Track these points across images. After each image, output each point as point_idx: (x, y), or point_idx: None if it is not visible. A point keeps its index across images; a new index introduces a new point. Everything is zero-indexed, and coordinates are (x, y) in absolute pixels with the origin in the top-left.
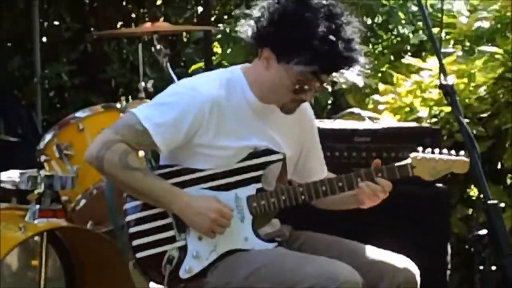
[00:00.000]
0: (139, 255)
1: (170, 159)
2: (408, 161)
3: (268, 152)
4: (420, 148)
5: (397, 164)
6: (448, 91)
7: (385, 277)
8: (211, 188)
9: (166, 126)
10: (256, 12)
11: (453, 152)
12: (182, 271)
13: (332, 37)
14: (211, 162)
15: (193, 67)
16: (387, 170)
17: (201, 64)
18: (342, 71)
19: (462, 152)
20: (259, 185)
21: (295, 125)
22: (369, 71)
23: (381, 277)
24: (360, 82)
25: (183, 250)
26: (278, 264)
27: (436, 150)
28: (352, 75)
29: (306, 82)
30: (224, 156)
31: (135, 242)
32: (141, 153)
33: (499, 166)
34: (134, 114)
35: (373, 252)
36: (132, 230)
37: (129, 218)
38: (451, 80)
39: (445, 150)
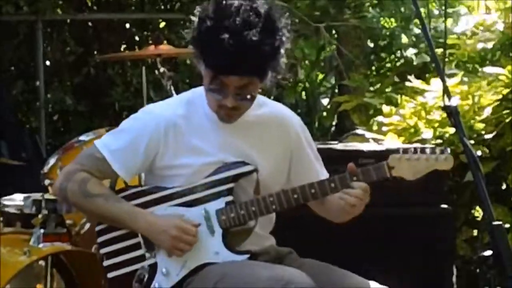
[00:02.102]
0: (110, 274)
1: (146, 180)
2: (386, 161)
3: (238, 164)
4: (401, 149)
5: (373, 165)
6: (452, 113)
7: None
8: (180, 205)
9: (122, 151)
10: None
11: (437, 149)
12: None
13: (216, 31)
14: (177, 182)
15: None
16: (362, 172)
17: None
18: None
19: (448, 150)
20: (228, 198)
21: (275, 138)
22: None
23: None
24: (269, 84)
25: (153, 268)
26: (240, 272)
27: (418, 149)
28: (267, 81)
29: (217, 83)
30: (188, 174)
31: (107, 263)
32: None
33: (504, 187)
34: (94, 144)
35: (360, 286)
36: (103, 250)
37: (100, 239)
38: (455, 101)
39: (428, 149)
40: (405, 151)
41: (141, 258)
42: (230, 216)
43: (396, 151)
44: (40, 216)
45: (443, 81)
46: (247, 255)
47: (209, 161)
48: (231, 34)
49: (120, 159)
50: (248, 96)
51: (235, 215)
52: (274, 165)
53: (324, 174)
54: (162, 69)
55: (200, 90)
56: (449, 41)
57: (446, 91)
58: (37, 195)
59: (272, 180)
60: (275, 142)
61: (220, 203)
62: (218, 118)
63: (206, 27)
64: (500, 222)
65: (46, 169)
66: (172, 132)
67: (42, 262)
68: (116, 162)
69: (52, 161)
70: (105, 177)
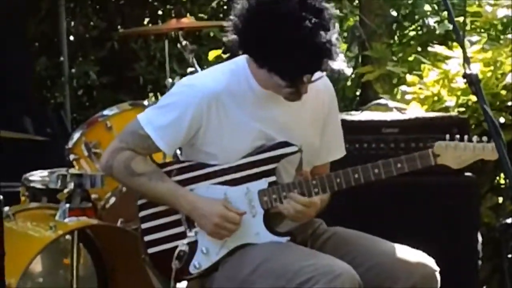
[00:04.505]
0: (150, 250)
1: (185, 155)
2: (431, 149)
3: (283, 144)
4: (447, 137)
5: (418, 153)
6: (472, 80)
7: (400, 277)
8: (222, 183)
9: (165, 128)
10: (232, 19)
11: (484, 138)
12: (192, 267)
13: (298, 49)
14: (220, 159)
15: (211, 53)
16: (407, 160)
17: (220, 52)
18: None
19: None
20: (271, 179)
21: (312, 110)
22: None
23: (398, 277)
24: (345, 67)
25: (193, 245)
26: (280, 258)
27: (465, 138)
28: (338, 64)
29: (291, 85)
30: (232, 151)
31: (147, 238)
32: None
33: None
34: (137, 119)
35: (390, 251)
36: (144, 226)
37: (142, 214)
38: (475, 69)
39: (474, 138)
40: (452, 138)
41: (182, 235)
42: (272, 198)
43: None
44: (65, 191)
45: (464, 49)
46: (288, 237)
47: (253, 138)
48: (303, 43)
49: (164, 136)
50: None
51: (277, 196)
52: (311, 137)
53: (341, 151)
54: (184, 42)
55: (243, 61)
56: (470, 9)
57: (466, 60)
58: (62, 170)
59: (310, 147)
60: (313, 113)
61: (263, 183)
62: (284, 98)
63: (270, 38)
64: None
65: (70, 144)
66: (215, 108)
67: (68, 237)
68: (160, 139)
69: (76, 136)
70: (149, 153)
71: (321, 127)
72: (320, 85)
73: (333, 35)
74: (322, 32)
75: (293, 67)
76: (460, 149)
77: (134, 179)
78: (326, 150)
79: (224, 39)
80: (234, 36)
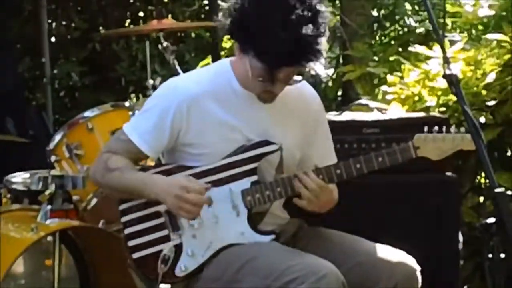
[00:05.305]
0: (135, 255)
1: (167, 158)
2: (411, 142)
3: (263, 143)
4: (425, 129)
5: (399, 146)
6: (452, 81)
7: (382, 277)
8: None
9: (149, 132)
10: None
11: (462, 129)
12: (178, 270)
13: (283, 33)
14: (203, 160)
15: (201, 63)
16: (387, 154)
17: (209, 60)
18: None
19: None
20: (253, 178)
21: (296, 114)
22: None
23: (379, 276)
24: (323, 73)
25: (178, 248)
26: (266, 257)
27: (444, 129)
28: (318, 67)
29: (267, 73)
30: (214, 152)
31: (131, 243)
32: None
33: (508, 154)
34: (123, 129)
35: (371, 251)
36: (128, 231)
37: (124, 219)
38: (455, 69)
39: (452, 129)
40: (430, 130)
41: (166, 238)
42: (256, 197)
43: (406, 122)
44: (47, 192)
45: (443, 50)
46: (272, 236)
47: (234, 140)
48: (289, 29)
49: (148, 140)
50: (292, 81)
51: (260, 195)
52: (293, 141)
53: (332, 159)
54: (165, 44)
55: (226, 63)
56: (451, 9)
57: (446, 60)
58: (43, 172)
59: (290, 155)
60: (296, 117)
61: (245, 183)
62: (258, 99)
63: (259, 20)
64: (503, 189)
65: (51, 145)
66: (195, 110)
67: (50, 238)
68: (144, 144)
69: (57, 137)
70: (136, 159)
71: (307, 137)
72: (307, 96)
73: (322, 36)
74: (311, 26)
75: (274, 51)
76: (439, 140)
77: (109, 174)
78: (319, 159)
79: (216, 23)
80: (227, 18)
